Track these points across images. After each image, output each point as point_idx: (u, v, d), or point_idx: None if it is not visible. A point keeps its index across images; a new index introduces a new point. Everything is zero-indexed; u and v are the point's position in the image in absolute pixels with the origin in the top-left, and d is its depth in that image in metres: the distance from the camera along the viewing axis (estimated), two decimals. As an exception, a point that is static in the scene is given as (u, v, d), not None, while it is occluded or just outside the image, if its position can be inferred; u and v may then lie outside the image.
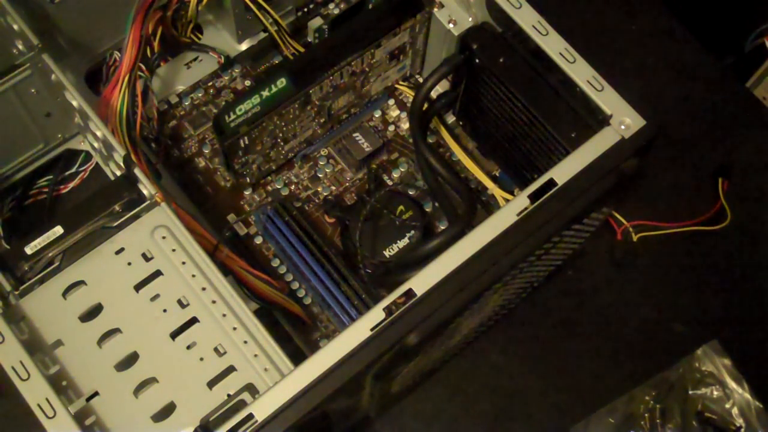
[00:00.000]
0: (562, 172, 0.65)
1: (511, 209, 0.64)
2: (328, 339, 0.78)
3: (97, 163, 0.84)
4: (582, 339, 0.85)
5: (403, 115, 0.89)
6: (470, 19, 0.79)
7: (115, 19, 0.78)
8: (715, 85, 0.99)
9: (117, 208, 0.68)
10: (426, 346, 0.65)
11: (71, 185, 0.85)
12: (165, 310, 0.64)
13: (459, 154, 0.85)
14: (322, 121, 0.84)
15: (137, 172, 0.68)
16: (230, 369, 0.63)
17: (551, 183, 0.65)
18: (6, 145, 0.80)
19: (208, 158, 0.86)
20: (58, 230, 0.66)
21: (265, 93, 0.75)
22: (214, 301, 0.65)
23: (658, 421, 0.81)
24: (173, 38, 0.84)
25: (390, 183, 0.87)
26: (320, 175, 0.86)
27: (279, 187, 0.85)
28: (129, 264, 0.66)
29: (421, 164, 0.82)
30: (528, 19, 0.71)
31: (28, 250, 0.65)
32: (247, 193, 0.85)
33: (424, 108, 0.81)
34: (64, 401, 0.58)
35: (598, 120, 0.69)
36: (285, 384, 0.57)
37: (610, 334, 0.85)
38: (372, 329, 0.59)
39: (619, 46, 0.99)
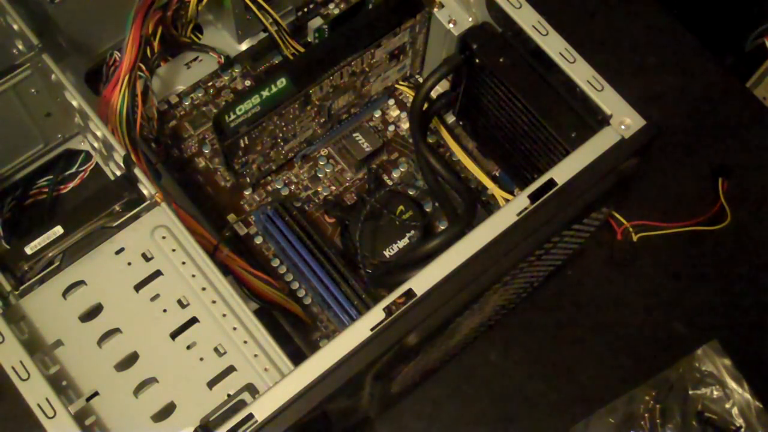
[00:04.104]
0: (562, 172, 0.65)
1: (511, 209, 0.64)
2: (328, 339, 0.78)
3: (97, 163, 0.84)
4: (582, 339, 0.85)
5: (403, 115, 0.89)
6: (470, 19, 0.79)
7: (115, 19, 0.78)
8: (715, 85, 0.99)
9: (117, 208, 0.68)
10: (426, 346, 0.65)
11: (71, 185, 0.85)
12: (165, 310, 0.64)
13: (459, 154, 0.85)
14: (322, 121, 0.84)
15: (137, 172, 0.68)
16: (230, 369, 0.63)
17: (551, 183, 0.65)
18: (6, 145, 0.80)
19: (208, 158, 0.86)
20: (58, 230, 0.66)
21: (265, 93, 0.75)
22: (214, 301, 0.65)
23: (658, 421, 0.81)
24: (173, 38, 0.84)
25: (390, 183, 0.87)
26: (320, 175, 0.86)
27: (279, 187, 0.85)
28: (129, 264, 0.66)
29: (421, 164, 0.82)
30: (528, 19, 0.71)
31: (28, 250, 0.65)
32: (247, 193, 0.85)
33: (424, 108, 0.81)
34: (64, 401, 0.58)
35: (598, 120, 0.69)
36: (285, 384, 0.57)
37: (610, 334, 0.85)
38: (372, 329, 0.59)
39: (619, 46, 0.99)
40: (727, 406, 0.82)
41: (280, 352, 0.63)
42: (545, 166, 0.76)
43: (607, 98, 0.68)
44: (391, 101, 0.90)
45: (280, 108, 0.77)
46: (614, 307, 0.86)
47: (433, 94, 0.84)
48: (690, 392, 0.82)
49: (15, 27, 0.71)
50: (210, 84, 0.88)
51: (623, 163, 0.66)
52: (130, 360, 0.63)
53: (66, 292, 0.64)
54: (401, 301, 0.60)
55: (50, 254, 0.66)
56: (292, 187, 0.86)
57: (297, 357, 0.62)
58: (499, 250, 0.62)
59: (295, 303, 0.77)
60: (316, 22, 0.89)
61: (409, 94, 0.89)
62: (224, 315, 0.64)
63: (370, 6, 0.89)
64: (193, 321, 0.64)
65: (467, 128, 0.88)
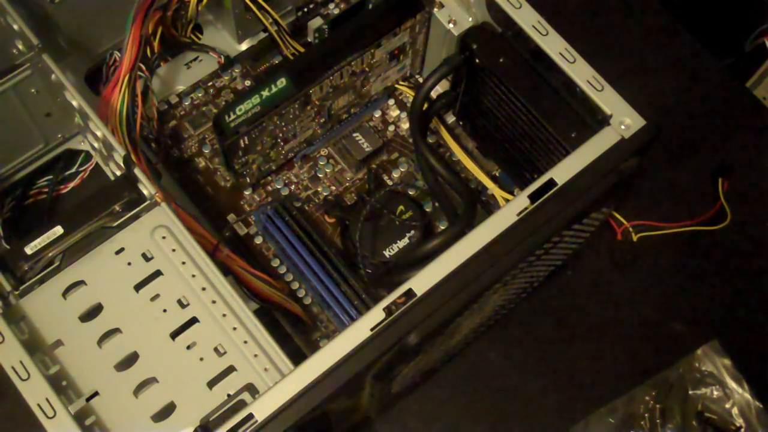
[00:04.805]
0: (562, 172, 0.65)
1: (511, 209, 0.64)
2: (328, 339, 0.78)
3: (97, 163, 0.84)
4: (582, 339, 0.85)
5: (403, 115, 0.89)
6: (470, 19, 0.79)
7: (115, 19, 0.78)
8: (715, 85, 0.99)
9: (117, 208, 0.68)
10: (426, 346, 0.65)
11: (71, 185, 0.85)
12: (165, 310, 0.64)
13: (459, 154, 0.85)
14: (322, 121, 0.84)
15: (137, 172, 0.68)
16: (230, 369, 0.63)
17: (551, 183, 0.65)
18: (6, 145, 0.80)
19: (208, 158, 0.86)
20: (58, 230, 0.66)
21: (265, 93, 0.75)
22: (214, 301, 0.65)
23: (658, 421, 0.81)
24: (173, 38, 0.84)
25: (390, 183, 0.87)
26: (320, 175, 0.86)
27: (279, 187, 0.85)
28: (129, 264, 0.66)
29: (421, 164, 0.82)
30: (528, 19, 0.71)
31: (28, 250, 0.65)
32: (247, 193, 0.85)
33: (424, 108, 0.81)
34: (64, 401, 0.58)
35: (598, 120, 0.69)
36: (285, 384, 0.57)
37: (610, 334, 0.85)
38: (372, 329, 0.59)
39: (619, 46, 0.99)
40: (727, 406, 0.82)
41: (280, 352, 0.63)
42: (545, 166, 0.76)
43: (607, 98, 0.68)
44: (391, 101, 0.90)
45: (280, 108, 0.77)
46: (614, 307, 0.86)
47: (433, 94, 0.84)
48: (690, 392, 0.82)
49: (15, 27, 0.71)
50: (210, 84, 0.88)
51: (623, 163, 0.66)
52: (130, 360, 0.63)
53: (66, 292, 0.64)
54: (401, 301, 0.60)
55: (50, 254, 0.66)
56: (292, 187, 0.86)
57: (297, 357, 0.62)
58: (499, 250, 0.62)
59: (295, 303, 0.77)
60: (316, 22, 0.89)
61: (409, 94, 0.89)
62: (224, 315, 0.64)
63: (370, 6, 0.89)
64: (193, 321, 0.64)
65: (467, 128, 0.88)
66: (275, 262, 0.81)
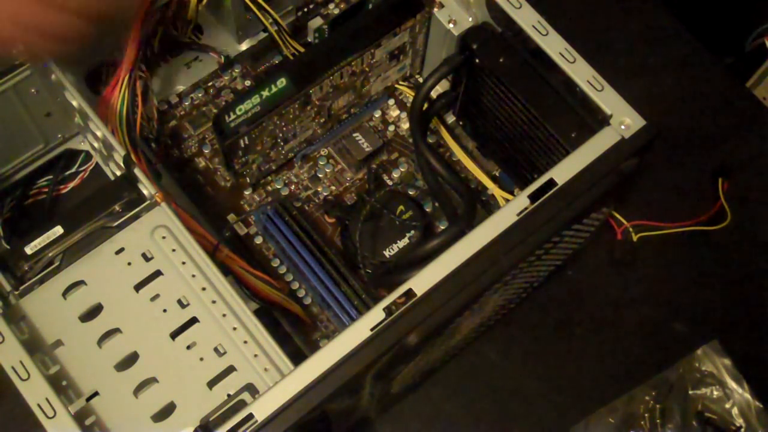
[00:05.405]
0: (562, 172, 0.65)
1: (511, 209, 0.64)
2: (328, 339, 0.78)
3: (97, 163, 0.84)
4: (582, 339, 0.85)
5: (403, 115, 0.89)
6: (470, 19, 0.79)
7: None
8: (715, 85, 0.99)
9: (117, 208, 0.68)
10: (426, 346, 0.65)
11: (71, 185, 0.85)
12: (165, 310, 0.64)
13: (459, 154, 0.85)
14: (322, 121, 0.84)
15: (137, 172, 0.68)
16: (230, 369, 0.63)
17: (551, 183, 0.65)
18: (6, 145, 0.80)
19: (208, 158, 0.86)
20: (58, 230, 0.66)
21: (265, 93, 0.75)
22: (214, 301, 0.65)
23: (658, 421, 0.81)
24: (173, 38, 0.84)
25: (390, 183, 0.87)
26: (320, 175, 0.86)
27: (279, 187, 0.85)
28: (129, 264, 0.66)
29: (421, 164, 0.82)
30: (528, 19, 0.71)
31: (28, 250, 0.65)
32: (247, 193, 0.85)
33: (424, 108, 0.81)
34: (64, 401, 0.58)
35: (598, 120, 0.69)
36: (285, 384, 0.57)
37: (610, 334, 0.85)
38: (372, 329, 0.59)
39: (619, 46, 0.99)
40: (727, 406, 0.82)
41: (280, 352, 0.63)
42: (545, 166, 0.76)
43: (607, 98, 0.68)
44: (391, 101, 0.90)
45: (280, 108, 0.77)
46: (614, 307, 0.86)
47: (433, 94, 0.84)
48: (690, 392, 0.82)
49: (15, 27, 0.71)
50: (210, 84, 0.88)
51: (623, 163, 0.66)
52: (130, 360, 0.63)
53: (66, 292, 0.64)
54: (401, 301, 0.60)
55: (50, 254, 0.66)
56: (292, 187, 0.86)
57: (297, 357, 0.62)
58: (499, 250, 0.62)
59: (295, 303, 0.77)
60: (316, 22, 0.89)
61: (409, 94, 0.89)
62: (224, 315, 0.64)
63: (370, 6, 0.89)
64: (193, 321, 0.64)
65: (467, 128, 0.88)
66: (275, 262, 0.81)
